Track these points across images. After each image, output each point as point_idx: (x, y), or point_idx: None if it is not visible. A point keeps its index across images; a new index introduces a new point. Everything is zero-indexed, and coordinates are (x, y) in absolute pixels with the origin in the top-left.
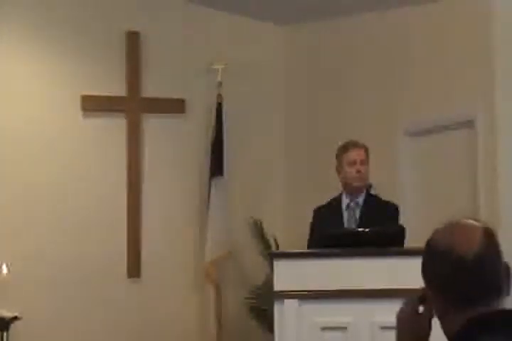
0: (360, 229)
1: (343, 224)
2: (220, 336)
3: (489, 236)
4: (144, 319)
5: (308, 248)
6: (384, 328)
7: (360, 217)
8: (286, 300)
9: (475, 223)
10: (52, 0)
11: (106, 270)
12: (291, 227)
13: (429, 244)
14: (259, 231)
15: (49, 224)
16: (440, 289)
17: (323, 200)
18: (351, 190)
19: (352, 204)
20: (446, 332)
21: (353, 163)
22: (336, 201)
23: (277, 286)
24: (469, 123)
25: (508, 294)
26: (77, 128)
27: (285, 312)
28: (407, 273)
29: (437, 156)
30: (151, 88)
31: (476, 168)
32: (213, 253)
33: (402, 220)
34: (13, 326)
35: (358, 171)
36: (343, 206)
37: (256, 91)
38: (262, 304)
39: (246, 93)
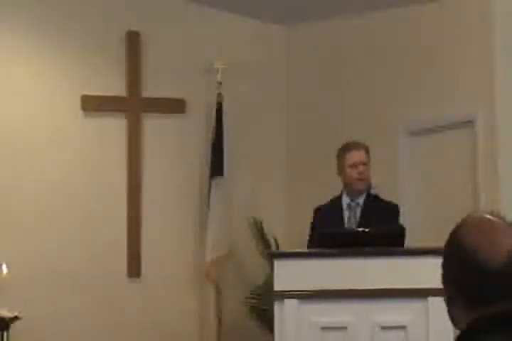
0: (360, 229)
1: (343, 224)
2: (220, 336)
3: None
4: (143, 319)
5: (309, 248)
6: (384, 328)
7: (361, 217)
8: (286, 300)
9: (505, 226)
10: (53, 0)
11: (106, 270)
12: (291, 227)
13: (453, 240)
14: (259, 231)
15: (49, 224)
16: (457, 288)
17: (324, 200)
18: (352, 191)
19: (352, 204)
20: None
21: (355, 165)
22: (337, 201)
23: (277, 286)
24: (469, 123)
25: None
26: (77, 128)
27: (285, 312)
28: (408, 273)
29: (437, 156)
30: (151, 88)
31: (476, 167)
32: (213, 253)
33: (402, 220)
34: (13, 326)
35: (360, 173)
36: (344, 206)
37: (256, 91)
38: (262, 304)
39: (246, 93)
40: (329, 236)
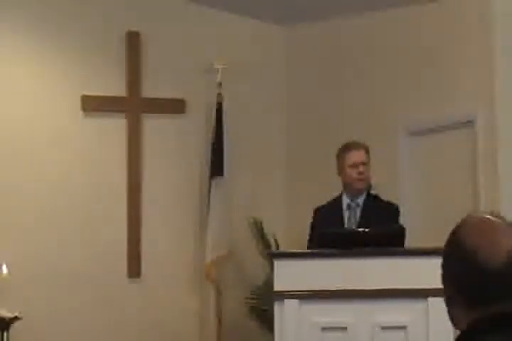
0: (360, 229)
1: (343, 224)
2: (220, 336)
3: None
4: (143, 319)
5: (309, 248)
6: (384, 328)
7: (361, 217)
8: (286, 300)
9: (506, 226)
10: (53, 0)
11: (106, 270)
12: (292, 227)
13: (453, 240)
14: (259, 231)
15: (49, 224)
16: (457, 289)
17: (324, 200)
18: (352, 191)
19: (352, 204)
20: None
21: (355, 165)
22: (337, 201)
23: (277, 286)
24: (469, 123)
25: None
26: (77, 128)
27: (285, 312)
28: (407, 273)
29: (437, 156)
30: (151, 88)
31: (476, 167)
32: (213, 253)
33: (402, 220)
34: (13, 326)
35: (360, 173)
36: (344, 206)
37: (256, 91)
38: (262, 304)
39: (246, 93)
40: (329, 236)
